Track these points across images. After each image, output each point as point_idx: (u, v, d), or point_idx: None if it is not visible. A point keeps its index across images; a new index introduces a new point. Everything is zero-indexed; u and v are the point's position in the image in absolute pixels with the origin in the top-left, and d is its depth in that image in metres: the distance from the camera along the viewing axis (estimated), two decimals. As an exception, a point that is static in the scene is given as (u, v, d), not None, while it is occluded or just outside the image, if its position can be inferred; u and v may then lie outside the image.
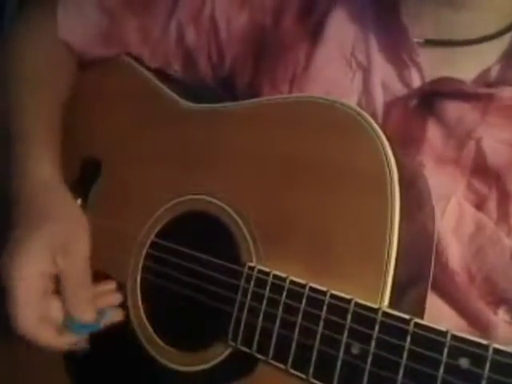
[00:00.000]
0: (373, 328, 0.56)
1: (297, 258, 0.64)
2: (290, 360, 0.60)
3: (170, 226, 0.76)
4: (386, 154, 0.60)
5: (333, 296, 0.59)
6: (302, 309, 0.61)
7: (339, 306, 0.58)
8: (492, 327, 0.70)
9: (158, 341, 0.73)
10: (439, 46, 0.72)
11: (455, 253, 0.69)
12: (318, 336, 0.59)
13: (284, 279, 0.63)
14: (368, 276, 0.59)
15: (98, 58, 0.90)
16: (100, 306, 0.75)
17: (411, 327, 0.54)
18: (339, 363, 0.57)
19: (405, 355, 0.53)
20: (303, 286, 0.61)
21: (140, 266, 0.77)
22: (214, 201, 0.72)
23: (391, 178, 0.59)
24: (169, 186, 0.77)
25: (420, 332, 0.53)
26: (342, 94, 0.75)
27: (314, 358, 0.59)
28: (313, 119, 0.67)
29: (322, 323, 0.59)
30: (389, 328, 0.55)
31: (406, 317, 0.54)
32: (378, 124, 0.63)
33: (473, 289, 0.70)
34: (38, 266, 0.71)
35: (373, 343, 0.55)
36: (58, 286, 0.73)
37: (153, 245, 0.77)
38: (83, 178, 0.86)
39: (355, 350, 0.56)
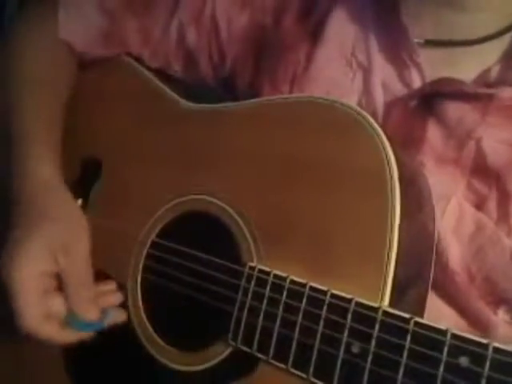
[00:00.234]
0: (373, 327, 0.56)
1: (297, 257, 0.64)
2: (291, 359, 0.61)
3: (170, 226, 0.76)
4: (386, 154, 0.61)
5: (333, 295, 0.59)
6: (302, 308, 0.61)
7: (339, 306, 0.58)
8: (492, 327, 0.70)
9: (159, 340, 0.73)
10: (439, 47, 0.72)
11: (455, 253, 0.69)
12: (319, 335, 0.59)
13: (284, 279, 0.63)
14: (368, 275, 0.59)
15: (99, 58, 0.90)
16: (101, 305, 0.75)
17: (411, 326, 0.54)
18: (339, 362, 0.57)
19: (405, 354, 0.53)
20: (303, 286, 0.61)
21: (140, 266, 0.77)
22: (215, 201, 0.72)
23: (391, 178, 0.60)
24: (169, 186, 0.77)
25: (420, 331, 0.53)
26: (342, 94, 0.75)
27: (314, 358, 0.59)
28: (313, 119, 0.67)
29: (322, 322, 0.59)
30: (389, 327, 0.55)
31: (406, 316, 0.54)
32: (378, 124, 0.63)
33: (473, 289, 0.70)
34: (38, 266, 0.71)
35: (373, 342, 0.56)
36: (59, 284, 0.73)
37: (153, 245, 0.77)
38: (84, 178, 0.86)
39: (355, 349, 0.57)
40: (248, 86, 0.84)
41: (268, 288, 0.64)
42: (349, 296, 0.58)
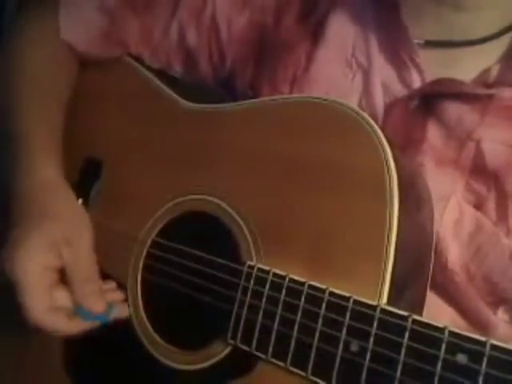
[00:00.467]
0: (371, 325, 0.56)
1: (296, 257, 0.64)
2: (289, 358, 0.61)
3: (170, 225, 0.76)
4: (385, 154, 0.61)
5: (332, 294, 0.59)
6: (301, 306, 0.61)
7: (338, 304, 0.59)
8: (492, 327, 0.70)
9: (158, 339, 0.74)
10: (439, 47, 0.72)
11: (454, 253, 0.69)
12: (317, 333, 0.59)
13: (283, 277, 0.63)
14: (366, 274, 0.59)
15: (100, 58, 0.90)
16: (106, 300, 0.74)
17: (409, 324, 0.54)
18: (338, 360, 0.57)
19: (403, 352, 0.54)
20: (302, 284, 0.61)
21: (140, 265, 0.77)
22: (215, 200, 0.72)
23: (390, 178, 0.60)
24: (169, 185, 0.77)
25: (418, 328, 0.53)
26: (342, 94, 0.75)
27: (313, 356, 0.59)
28: (312, 119, 0.68)
29: (320, 321, 0.59)
30: (387, 325, 0.55)
31: (404, 313, 0.55)
32: (377, 124, 0.63)
33: (472, 289, 0.70)
34: (41, 260, 0.70)
35: (371, 340, 0.56)
36: (63, 278, 0.73)
37: (154, 244, 0.77)
38: (84, 178, 0.86)
39: (354, 347, 0.57)
40: (248, 87, 0.84)
41: (267, 287, 0.64)
42: (347, 294, 0.58)
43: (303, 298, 0.61)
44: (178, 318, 0.74)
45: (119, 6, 0.87)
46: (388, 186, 0.60)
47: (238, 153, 0.72)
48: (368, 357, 0.56)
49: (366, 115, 0.64)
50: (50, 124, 0.83)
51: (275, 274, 0.64)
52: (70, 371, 0.81)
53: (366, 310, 0.57)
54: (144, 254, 0.77)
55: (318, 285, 0.60)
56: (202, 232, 0.73)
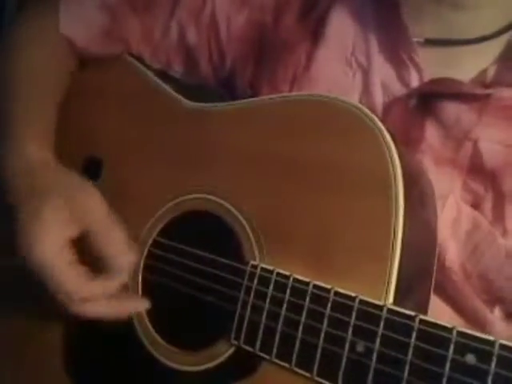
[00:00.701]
0: (378, 325, 0.55)
1: (300, 256, 0.64)
2: (294, 358, 0.60)
3: (171, 225, 0.76)
4: (389, 151, 0.60)
5: (337, 293, 0.59)
6: (305, 307, 0.60)
7: (344, 304, 0.58)
8: (489, 325, 0.70)
9: (160, 340, 0.73)
10: (439, 46, 0.72)
11: (452, 251, 0.69)
12: (323, 334, 0.59)
13: (287, 277, 0.62)
14: (372, 273, 0.59)
15: (100, 55, 0.90)
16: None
17: (416, 324, 0.53)
18: (344, 361, 0.57)
19: (410, 352, 0.53)
20: (307, 284, 0.61)
21: (141, 265, 0.77)
22: (216, 200, 0.72)
23: (395, 175, 0.59)
24: (170, 185, 0.77)
25: (425, 328, 0.53)
26: (343, 93, 0.74)
27: (318, 356, 0.59)
28: (313, 117, 0.67)
29: (326, 321, 0.59)
30: (394, 325, 0.55)
31: (411, 313, 0.54)
32: (380, 121, 0.63)
33: (469, 287, 0.70)
34: (56, 239, 0.68)
35: (378, 340, 0.55)
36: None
37: (155, 243, 0.76)
38: (84, 178, 0.86)
39: (360, 348, 0.56)
40: (248, 86, 0.84)
41: (271, 287, 0.63)
42: (353, 294, 0.58)
43: (308, 298, 0.60)
44: (180, 319, 0.73)
45: (120, 4, 0.87)
46: (393, 182, 0.59)
47: (238, 152, 0.72)
48: (374, 357, 0.55)
49: (368, 112, 0.63)
50: (46, 121, 0.83)
51: (279, 274, 0.63)
52: (70, 371, 0.80)
53: (373, 310, 0.56)
54: (145, 253, 0.77)
55: (323, 284, 0.60)
56: (203, 231, 0.73)
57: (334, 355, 0.57)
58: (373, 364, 0.55)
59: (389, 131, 0.62)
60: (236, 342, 0.65)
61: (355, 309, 0.57)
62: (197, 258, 0.72)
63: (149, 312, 0.75)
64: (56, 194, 0.71)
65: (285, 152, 0.68)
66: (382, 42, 0.75)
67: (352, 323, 0.57)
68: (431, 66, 0.72)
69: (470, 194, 0.69)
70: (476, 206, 0.69)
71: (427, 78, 0.72)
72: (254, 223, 0.68)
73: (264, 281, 0.64)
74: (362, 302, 0.57)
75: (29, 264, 0.68)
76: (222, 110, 0.77)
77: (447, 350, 0.51)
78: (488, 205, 0.68)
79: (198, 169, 0.75)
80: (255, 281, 0.65)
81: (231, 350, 0.66)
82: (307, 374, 0.59)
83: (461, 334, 0.51)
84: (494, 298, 0.70)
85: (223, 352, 0.67)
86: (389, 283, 0.57)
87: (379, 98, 0.74)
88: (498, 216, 0.68)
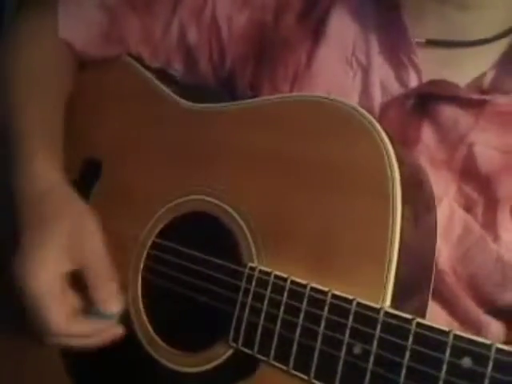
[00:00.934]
0: (375, 328, 0.55)
1: (298, 258, 0.64)
2: (292, 361, 0.60)
3: (171, 226, 0.76)
4: (386, 152, 0.60)
5: (334, 296, 0.59)
6: (303, 309, 0.60)
7: (341, 306, 0.58)
8: (483, 327, 0.70)
9: (159, 341, 0.73)
10: (440, 47, 0.72)
11: (445, 254, 0.69)
12: (320, 336, 0.59)
13: (285, 279, 0.62)
14: (370, 275, 0.58)
15: (98, 57, 0.90)
16: None
17: (413, 327, 0.53)
18: (341, 363, 0.57)
19: (407, 355, 0.53)
20: (304, 287, 0.61)
21: (141, 267, 0.77)
22: (215, 201, 0.72)
23: (392, 176, 0.59)
24: (169, 186, 0.77)
25: (422, 332, 0.53)
26: (343, 93, 0.75)
27: (315, 359, 0.59)
28: (312, 118, 0.67)
29: (323, 323, 0.59)
30: (391, 328, 0.55)
31: (408, 316, 0.54)
32: (378, 122, 0.62)
33: (461, 289, 0.70)
34: (56, 268, 0.70)
35: (375, 343, 0.55)
36: (74, 282, 0.72)
37: (154, 245, 0.76)
38: (84, 179, 0.86)
39: (357, 350, 0.56)
40: (248, 86, 0.84)
41: (269, 289, 0.63)
42: (350, 296, 0.58)
43: (305, 301, 0.60)
44: (179, 320, 0.74)
45: (119, 4, 0.87)
46: (390, 184, 0.59)
47: (237, 152, 0.72)
48: (371, 360, 0.55)
49: (366, 113, 0.63)
50: (50, 123, 0.83)
51: (277, 276, 0.63)
52: (70, 372, 0.81)
53: (370, 313, 0.56)
54: (144, 255, 0.77)
55: (320, 287, 0.60)
56: (202, 232, 0.73)
57: (331, 358, 0.57)
58: (370, 366, 0.55)
59: (387, 133, 0.62)
60: (234, 344, 0.65)
61: (352, 311, 0.57)
62: (195, 259, 0.72)
63: (149, 314, 0.75)
64: (59, 227, 0.72)
65: (283, 152, 0.67)
66: (382, 43, 0.75)
67: (349, 325, 0.57)
68: (432, 66, 0.72)
69: (463, 198, 0.69)
70: (468, 209, 0.69)
71: (426, 78, 0.72)
72: (252, 224, 0.68)
73: (262, 283, 0.64)
74: (359, 304, 0.57)
75: (21, 294, 0.70)
76: (220, 110, 0.77)
77: (444, 353, 0.51)
78: (480, 210, 0.68)
79: (198, 169, 0.75)
80: (253, 283, 0.65)
81: (230, 352, 0.66)
82: (304, 377, 0.59)
83: (457, 337, 0.51)
84: (483, 301, 0.70)
85: (222, 354, 0.67)
86: (386, 286, 0.57)
87: (378, 98, 0.74)
88: (490, 221, 0.68)
